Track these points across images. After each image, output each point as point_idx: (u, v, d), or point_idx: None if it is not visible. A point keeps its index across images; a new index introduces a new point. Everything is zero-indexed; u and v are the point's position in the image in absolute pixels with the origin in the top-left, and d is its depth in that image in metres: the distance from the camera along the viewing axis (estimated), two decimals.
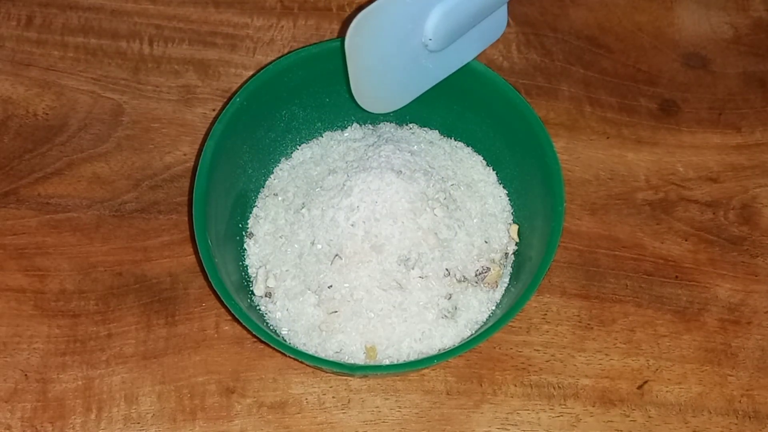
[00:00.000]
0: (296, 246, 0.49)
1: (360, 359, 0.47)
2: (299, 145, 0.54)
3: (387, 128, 0.54)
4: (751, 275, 0.53)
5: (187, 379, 0.49)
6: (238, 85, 0.58)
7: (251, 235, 0.51)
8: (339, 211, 0.47)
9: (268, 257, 0.50)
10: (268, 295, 0.49)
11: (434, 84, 0.50)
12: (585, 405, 0.49)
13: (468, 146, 0.53)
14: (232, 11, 0.61)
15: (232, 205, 0.50)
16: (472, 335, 0.47)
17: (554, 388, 0.50)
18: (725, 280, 0.53)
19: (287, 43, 0.60)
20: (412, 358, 0.47)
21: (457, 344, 0.46)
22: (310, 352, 0.47)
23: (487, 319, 0.48)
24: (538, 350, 0.51)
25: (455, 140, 0.54)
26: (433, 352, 0.47)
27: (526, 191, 0.50)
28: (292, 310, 0.48)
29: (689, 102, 0.59)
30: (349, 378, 0.49)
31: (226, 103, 0.49)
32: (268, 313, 0.48)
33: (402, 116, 0.54)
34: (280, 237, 0.50)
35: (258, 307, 0.49)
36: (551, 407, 0.49)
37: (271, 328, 0.48)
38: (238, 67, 0.59)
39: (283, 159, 0.53)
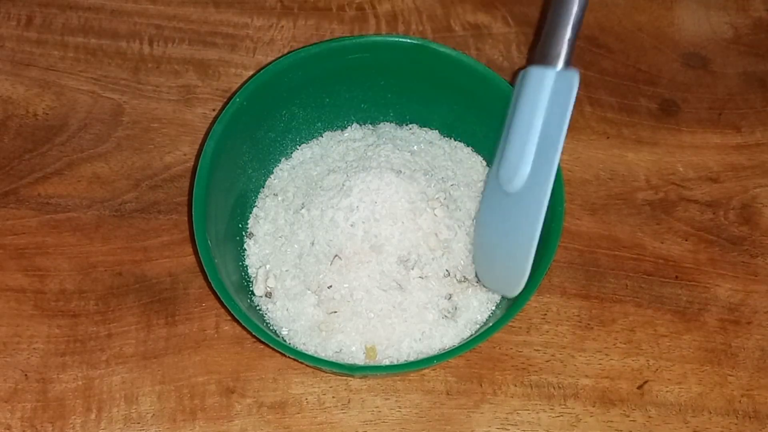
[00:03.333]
0: (296, 246, 0.49)
1: (360, 359, 0.47)
2: (299, 145, 0.54)
3: (387, 128, 0.54)
4: (751, 275, 0.53)
5: (187, 379, 0.49)
6: (238, 85, 0.58)
7: (251, 235, 0.51)
8: (338, 212, 0.47)
9: (268, 257, 0.50)
10: (268, 295, 0.49)
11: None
12: (585, 405, 0.49)
13: (468, 146, 0.53)
14: (232, 11, 0.61)
15: (232, 205, 0.50)
16: (472, 335, 0.47)
17: (554, 388, 0.50)
18: (725, 280, 0.53)
19: (287, 43, 0.60)
20: (412, 358, 0.47)
21: (457, 344, 0.46)
22: (310, 352, 0.47)
23: (487, 319, 0.48)
24: (538, 350, 0.51)
25: (455, 140, 0.54)
26: (433, 352, 0.47)
27: None
28: (292, 310, 0.48)
29: (689, 102, 0.59)
30: (349, 378, 0.49)
31: (226, 103, 0.49)
32: (268, 313, 0.48)
33: (402, 116, 0.54)
34: (280, 237, 0.50)
35: (258, 307, 0.48)
36: (551, 407, 0.49)
37: (271, 328, 0.48)
38: (238, 67, 0.59)
39: (283, 159, 0.53)
